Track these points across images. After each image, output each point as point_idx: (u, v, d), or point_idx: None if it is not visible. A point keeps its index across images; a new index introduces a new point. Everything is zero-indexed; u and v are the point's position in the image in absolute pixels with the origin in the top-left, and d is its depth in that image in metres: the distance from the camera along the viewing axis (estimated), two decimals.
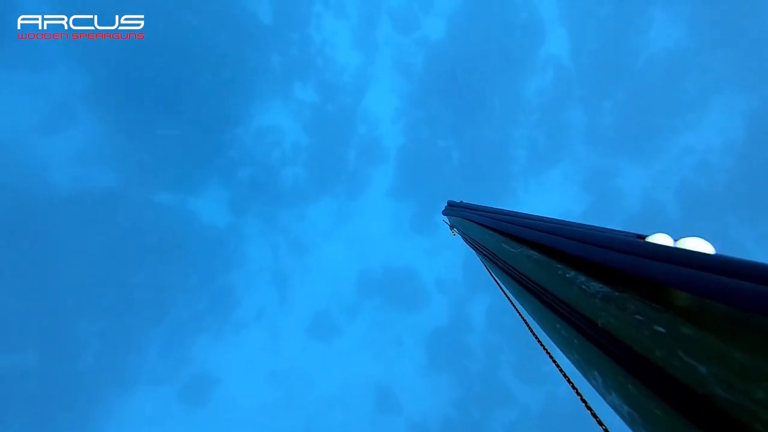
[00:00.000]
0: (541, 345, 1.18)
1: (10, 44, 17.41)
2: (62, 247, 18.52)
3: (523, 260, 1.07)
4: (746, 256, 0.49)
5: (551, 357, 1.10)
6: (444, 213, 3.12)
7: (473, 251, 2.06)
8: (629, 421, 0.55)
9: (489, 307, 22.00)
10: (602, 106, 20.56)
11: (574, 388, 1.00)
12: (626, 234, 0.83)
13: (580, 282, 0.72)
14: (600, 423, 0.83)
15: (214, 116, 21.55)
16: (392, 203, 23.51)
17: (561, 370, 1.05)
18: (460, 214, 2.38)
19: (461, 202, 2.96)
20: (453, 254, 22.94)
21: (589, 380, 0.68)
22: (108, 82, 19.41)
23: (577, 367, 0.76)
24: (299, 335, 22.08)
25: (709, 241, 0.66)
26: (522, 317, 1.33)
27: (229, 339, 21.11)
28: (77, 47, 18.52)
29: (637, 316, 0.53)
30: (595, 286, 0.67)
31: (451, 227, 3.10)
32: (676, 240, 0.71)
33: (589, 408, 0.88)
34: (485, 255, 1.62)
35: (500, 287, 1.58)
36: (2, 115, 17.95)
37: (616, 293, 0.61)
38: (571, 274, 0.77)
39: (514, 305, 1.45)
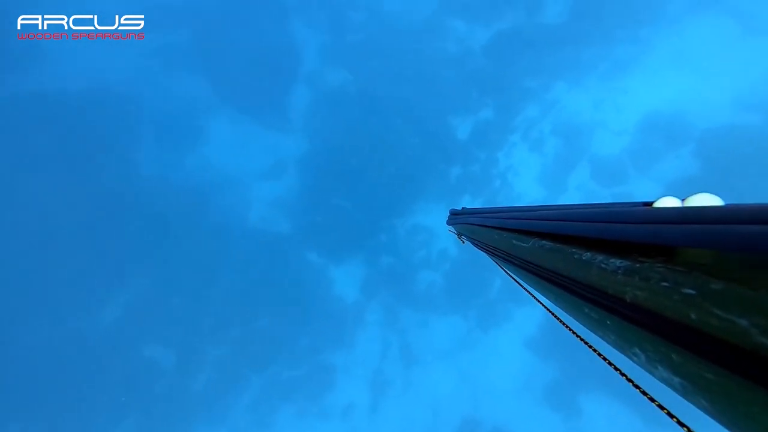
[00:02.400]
0: (578, 336, 1.09)
1: (278, 109, 22.55)
2: (227, 274, 21.29)
3: (537, 252, 1.04)
4: None
5: (598, 352, 1.03)
6: (448, 223, 2.99)
7: (486, 255, 1.98)
8: (682, 391, 0.52)
9: None
10: None
11: (626, 376, 0.93)
12: (632, 204, 0.81)
13: (599, 261, 0.70)
14: (662, 407, 0.76)
15: (382, 201, 23.09)
16: (528, 356, 20.05)
17: (614, 366, 0.98)
18: (465, 221, 2.32)
19: (463, 209, 2.82)
20: None
21: (631, 358, 0.65)
22: (319, 150, 23.03)
23: (616, 348, 0.72)
24: None
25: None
26: (549, 310, 1.29)
27: (309, 422, 20.03)
28: (314, 124, 22.82)
29: (664, 283, 0.52)
30: (615, 262, 0.65)
31: (459, 235, 2.86)
32: (683, 200, 0.68)
33: (643, 392, 0.82)
34: (499, 256, 1.54)
35: (521, 285, 1.54)
36: (241, 157, 22.76)
37: (637, 265, 0.59)
38: (588, 255, 0.75)
39: (539, 300, 1.40)
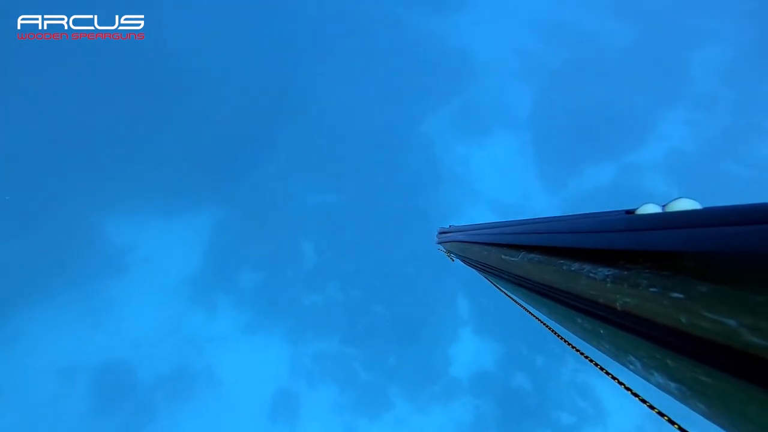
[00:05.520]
0: (573, 347, 1.14)
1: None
2: (362, 226, 18.15)
3: (526, 266, 1.05)
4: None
5: (591, 360, 1.04)
6: (438, 242, 2.96)
7: (477, 272, 1.96)
8: (680, 396, 0.52)
9: None
10: None
11: (623, 385, 0.95)
12: (615, 213, 0.82)
13: (587, 271, 0.71)
14: (652, 408, 0.80)
15: None
16: None
17: (610, 375, 0.98)
18: (454, 239, 2.32)
19: (450, 226, 2.81)
20: None
21: (627, 367, 0.66)
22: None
23: (611, 357, 0.73)
24: None
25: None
26: (544, 323, 1.29)
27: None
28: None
29: (652, 289, 0.53)
30: (602, 271, 0.66)
31: (448, 253, 2.79)
32: (663, 206, 0.71)
33: (639, 397, 0.85)
34: (489, 272, 1.55)
35: (513, 300, 1.54)
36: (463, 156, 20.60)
37: (625, 272, 0.60)
38: (576, 265, 0.76)
39: (532, 314, 1.42)
